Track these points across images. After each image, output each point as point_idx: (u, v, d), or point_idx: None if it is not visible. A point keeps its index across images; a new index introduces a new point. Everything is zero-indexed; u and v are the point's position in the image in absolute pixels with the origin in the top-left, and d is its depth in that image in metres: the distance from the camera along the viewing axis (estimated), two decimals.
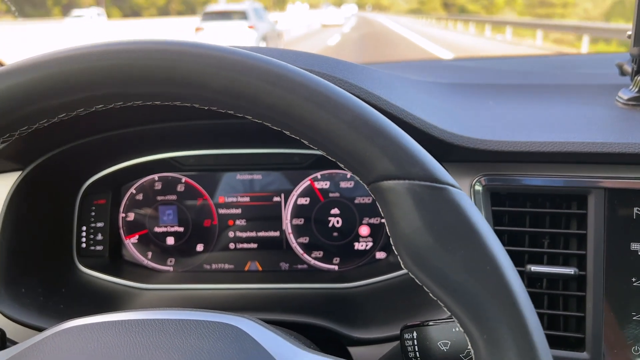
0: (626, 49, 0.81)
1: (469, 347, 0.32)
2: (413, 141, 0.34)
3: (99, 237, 0.85)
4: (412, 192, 0.32)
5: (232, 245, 0.87)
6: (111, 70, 0.34)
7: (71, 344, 0.41)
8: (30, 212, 0.74)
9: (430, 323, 0.49)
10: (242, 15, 13.31)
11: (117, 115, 0.73)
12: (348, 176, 0.85)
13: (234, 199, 0.86)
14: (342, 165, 0.35)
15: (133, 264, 0.87)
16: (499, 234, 0.66)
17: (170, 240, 0.87)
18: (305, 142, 0.35)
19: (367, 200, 0.84)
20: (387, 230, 0.34)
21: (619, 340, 0.61)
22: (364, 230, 0.85)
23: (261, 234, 0.86)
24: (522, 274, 0.64)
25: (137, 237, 0.87)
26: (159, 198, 0.87)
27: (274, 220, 0.86)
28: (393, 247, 0.33)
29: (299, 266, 0.86)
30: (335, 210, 0.85)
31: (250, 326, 0.43)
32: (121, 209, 0.87)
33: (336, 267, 0.85)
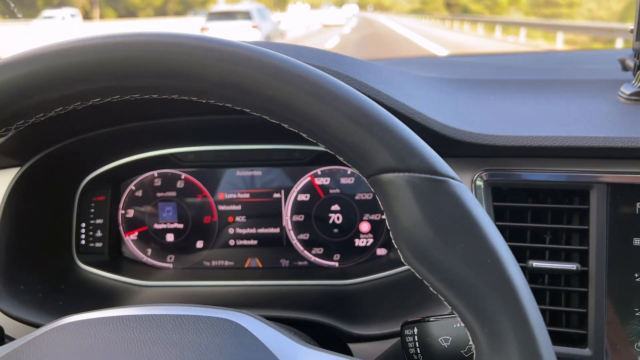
0: None
1: (470, 342, 0.32)
2: (413, 133, 0.34)
3: (98, 233, 0.84)
4: (412, 185, 0.32)
5: (232, 242, 0.86)
6: (108, 63, 0.33)
7: (68, 340, 0.41)
8: (29, 208, 0.74)
9: (431, 319, 0.49)
10: (246, 15, 13.67)
11: (116, 111, 0.73)
12: (348, 172, 0.84)
13: (234, 196, 0.86)
14: (341, 159, 0.35)
15: (132, 260, 0.87)
16: (501, 229, 0.65)
17: (170, 237, 0.87)
18: (304, 135, 0.35)
19: (367, 196, 0.84)
20: (387, 224, 0.33)
21: (621, 336, 0.60)
22: (364, 226, 0.84)
23: (261, 230, 0.86)
24: (523, 269, 0.64)
25: (136, 233, 0.87)
26: (159, 194, 0.86)
27: (274, 217, 0.85)
28: (393, 241, 0.33)
29: (299, 263, 0.86)
30: (335, 207, 0.85)
31: (249, 322, 0.42)
32: (120, 206, 0.87)
33: (336, 264, 0.85)
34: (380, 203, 0.33)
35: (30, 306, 0.70)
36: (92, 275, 0.82)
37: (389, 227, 0.33)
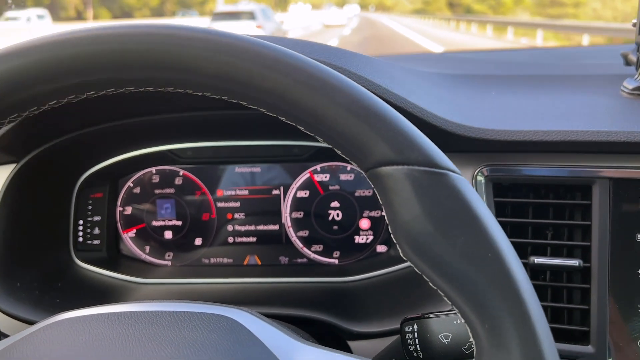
0: None
1: (471, 339, 0.31)
2: (412, 126, 0.33)
3: (96, 231, 0.84)
4: (411, 178, 0.31)
5: (230, 239, 0.86)
6: (102, 55, 0.33)
7: (63, 336, 0.41)
8: (26, 205, 0.73)
9: (431, 315, 0.48)
10: (250, 15, 14.20)
11: (113, 106, 0.72)
12: (348, 169, 0.83)
13: (233, 192, 0.85)
14: (339, 152, 0.34)
15: (131, 258, 0.87)
16: (502, 225, 0.64)
17: (168, 234, 0.86)
18: (302, 128, 0.34)
19: (367, 193, 0.83)
20: (386, 218, 0.32)
21: (624, 333, 0.60)
22: (364, 223, 0.84)
23: (260, 227, 0.85)
24: (525, 265, 0.63)
25: (134, 231, 0.86)
26: (157, 191, 0.86)
27: (273, 214, 0.85)
28: (392, 235, 0.32)
29: (299, 260, 0.85)
30: (335, 204, 0.84)
31: (245, 318, 0.42)
32: (118, 203, 0.86)
33: (336, 261, 0.84)
34: (378, 197, 0.33)
35: (27, 304, 0.69)
36: (89, 273, 0.82)
37: (387, 222, 0.32)
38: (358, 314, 0.71)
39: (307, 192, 0.84)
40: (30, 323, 0.67)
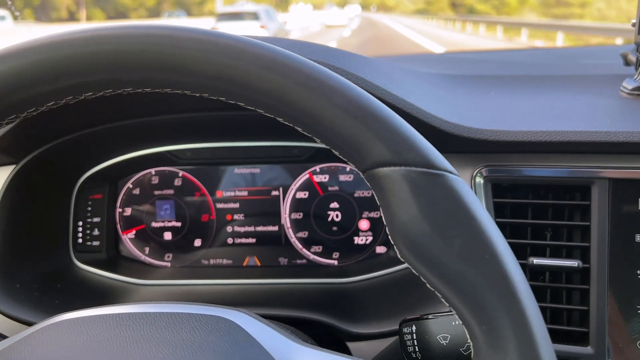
0: None
1: (469, 340, 0.31)
2: (409, 126, 0.33)
3: (96, 232, 0.84)
4: (409, 179, 0.31)
5: (230, 240, 0.86)
6: (100, 56, 0.33)
7: (61, 338, 0.41)
8: (25, 206, 0.73)
9: (430, 317, 0.48)
10: (254, 16, 14.67)
11: (112, 108, 0.72)
12: (347, 169, 0.83)
13: (232, 193, 0.85)
14: (337, 153, 0.34)
15: (130, 259, 0.87)
16: (501, 226, 0.65)
17: (167, 236, 0.86)
18: (299, 129, 0.34)
19: (366, 194, 0.83)
20: (383, 219, 0.32)
21: (623, 334, 0.60)
22: (363, 224, 0.84)
23: (260, 228, 0.85)
24: (524, 266, 0.63)
25: (134, 232, 0.86)
26: (156, 193, 0.86)
27: (273, 215, 0.85)
28: (389, 237, 0.32)
29: (298, 261, 0.85)
30: (334, 204, 0.84)
31: (244, 319, 0.42)
32: (118, 204, 0.86)
33: (336, 262, 0.84)
34: (376, 198, 0.33)
35: (26, 305, 0.69)
36: (89, 274, 0.82)
37: (385, 222, 0.32)
38: (357, 315, 0.71)
39: (307, 193, 0.84)
40: (30, 324, 0.67)
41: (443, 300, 0.31)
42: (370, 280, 0.79)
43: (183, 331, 0.40)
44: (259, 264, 0.86)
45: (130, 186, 0.86)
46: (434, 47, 14.57)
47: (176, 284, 0.83)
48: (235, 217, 0.85)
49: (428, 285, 0.32)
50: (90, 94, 0.35)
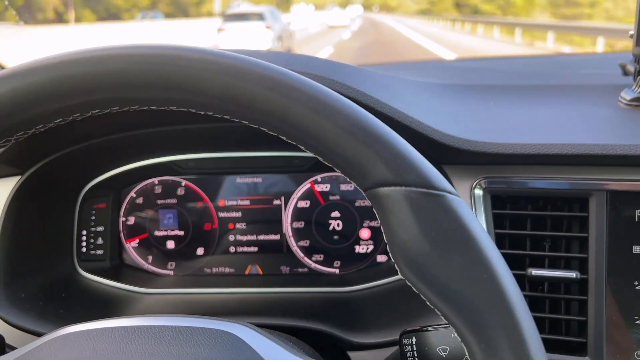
0: None
1: (467, 355, 0.32)
2: (410, 147, 0.34)
3: (99, 241, 0.85)
4: (409, 199, 0.32)
5: (232, 249, 0.86)
6: (107, 75, 0.34)
7: (68, 351, 0.41)
8: (30, 216, 0.74)
9: (430, 328, 0.49)
10: (260, 16, 14.88)
11: (116, 119, 0.73)
12: (348, 179, 0.84)
13: (234, 203, 0.86)
14: (339, 171, 0.35)
15: (134, 268, 0.87)
16: (500, 237, 0.65)
17: (170, 244, 0.87)
18: (302, 148, 0.35)
19: (368, 203, 0.84)
20: (384, 238, 0.33)
21: (621, 344, 0.60)
22: (364, 233, 0.84)
23: (262, 237, 0.86)
24: (523, 277, 0.64)
25: (137, 241, 0.87)
26: (159, 202, 0.87)
27: (275, 224, 0.86)
28: (390, 255, 0.33)
29: (300, 270, 0.86)
30: (335, 213, 0.85)
31: (247, 333, 0.43)
32: (121, 213, 0.87)
33: (337, 271, 0.85)
34: (377, 216, 0.33)
35: (31, 314, 0.70)
36: (93, 283, 0.82)
37: (386, 241, 0.33)
38: (358, 325, 0.71)
39: (308, 202, 0.85)
40: (35, 334, 0.68)
41: (442, 317, 0.32)
42: (371, 289, 0.80)
43: (187, 346, 0.40)
44: (261, 272, 0.86)
45: (134, 195, 0.87)
46: (444, 53, 13.83)
47: (179, 292, 0.83)
48: (238, 225, 0.86)
49: (428, 303, 0.32)
50: (97, 111, 0.36)
